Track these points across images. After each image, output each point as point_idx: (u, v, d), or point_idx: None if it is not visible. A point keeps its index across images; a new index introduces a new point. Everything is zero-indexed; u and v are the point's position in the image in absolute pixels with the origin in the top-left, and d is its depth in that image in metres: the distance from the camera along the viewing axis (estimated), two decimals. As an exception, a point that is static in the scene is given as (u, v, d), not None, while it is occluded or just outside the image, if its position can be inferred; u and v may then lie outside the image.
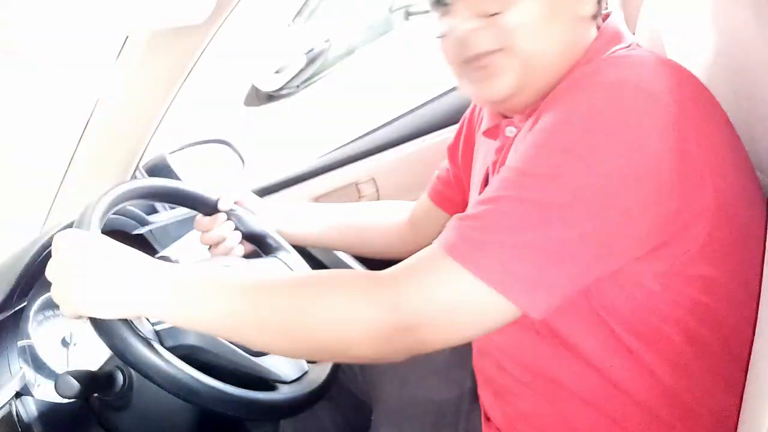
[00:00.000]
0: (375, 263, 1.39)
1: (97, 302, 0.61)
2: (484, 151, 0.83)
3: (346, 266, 1.39)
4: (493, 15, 0.65)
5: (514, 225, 0.54)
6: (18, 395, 0.80)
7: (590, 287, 0.59)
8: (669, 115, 0.55)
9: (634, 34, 0.81)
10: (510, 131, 0.74)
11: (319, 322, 0.58)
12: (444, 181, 1.01)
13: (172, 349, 0.66)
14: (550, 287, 0.55)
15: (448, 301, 0.56)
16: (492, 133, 0.78)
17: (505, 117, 0.76)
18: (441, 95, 1.43)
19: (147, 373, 0.63)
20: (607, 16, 0.71)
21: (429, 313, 0.56)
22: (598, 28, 0.70)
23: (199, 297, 0.61)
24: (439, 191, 1.01)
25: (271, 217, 0.99)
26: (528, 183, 0.56)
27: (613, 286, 0.60)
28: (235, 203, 0.95)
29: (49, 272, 0.63)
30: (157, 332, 0.69)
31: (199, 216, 0.95)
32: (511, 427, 0.75)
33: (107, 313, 0.61)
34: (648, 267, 0.59)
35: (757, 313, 0.56)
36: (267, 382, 0.73)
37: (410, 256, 0.98)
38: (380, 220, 1.07)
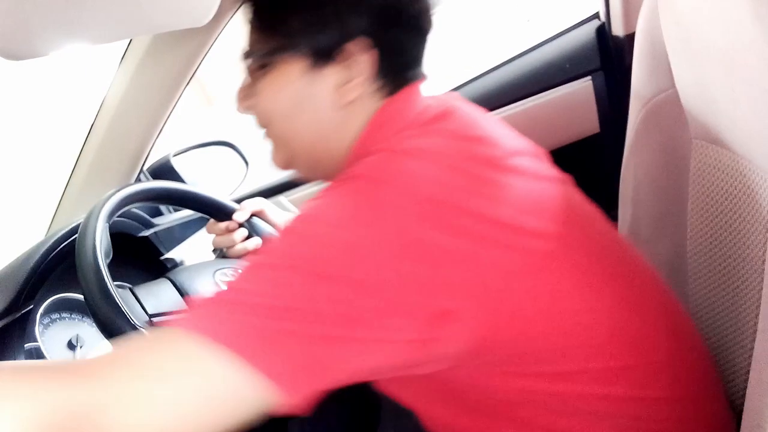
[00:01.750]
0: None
1: None
2: None
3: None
4: (247, 99, 0.69)
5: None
6: (25, 397, 0.81)
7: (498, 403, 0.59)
8: (364, 255, 0.51)
9: (634, 31, 0.81)
10: None
11: None
12: None
13: None
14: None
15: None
16: None
17: None
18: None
19: None
20: (419, 82, 0.68)
21: None
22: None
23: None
24: None
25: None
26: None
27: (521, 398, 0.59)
28: (252, 214, 0.98)
29: None
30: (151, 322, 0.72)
31: (212, 220, 0.98)
32: None
33: None
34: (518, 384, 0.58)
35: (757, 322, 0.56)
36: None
37: None
38: None
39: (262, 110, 0.69)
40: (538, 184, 0.61)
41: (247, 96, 0.69)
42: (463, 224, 0.53)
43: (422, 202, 0.53)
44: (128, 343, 0.50)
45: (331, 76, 0.64)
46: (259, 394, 0.47)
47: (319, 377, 0.50)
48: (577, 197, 0.67)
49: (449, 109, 0.65)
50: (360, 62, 0.63)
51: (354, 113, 0.66)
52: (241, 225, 0.97)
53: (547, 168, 0.67)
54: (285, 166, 0.72)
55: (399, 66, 0.66)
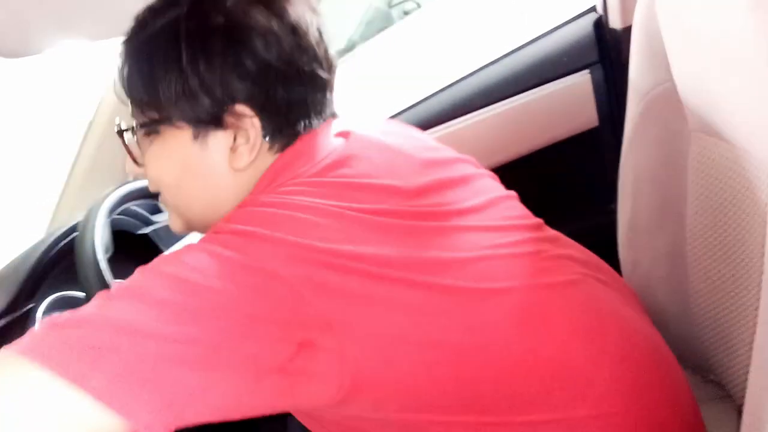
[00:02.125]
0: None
1: None
2: None
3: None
4: (136, 167, 0.68)
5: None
6: (27, 396, 0.81)
7: None
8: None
9: (631, 24, 0.81)
10: None
11: None
12: None
13: None
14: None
15: None
16: None
17: None
18: (441, 90, 1.43)
19: None
20: (320, 128, 0.66)
21: None
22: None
23: None
24: None
25: None
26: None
27: None
28: None
29: None
30: None
31: None
32: None
33: None
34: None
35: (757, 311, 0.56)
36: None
37: None
38: None
39: (152, 179, 0.67)
40: (444, 222, 0.60)
41: (136, 163, 0.68)
42: (329, 262, 0.52)
43: (284, 245, 0.52)
44: None
45: (220, 141, 0.63)
46: (98, 421, 0.46)
47: (171, 407, 0.48)
48: (516, 212, 0.67)
49: (348, 157, 0.63)
50: (247, 127, 0.62)
51: (247, 175, 0.64)
52: None
53: (479, 192, 0.66)
54: (183, 231, 0.71)
55: (291, 121, 0.64)
